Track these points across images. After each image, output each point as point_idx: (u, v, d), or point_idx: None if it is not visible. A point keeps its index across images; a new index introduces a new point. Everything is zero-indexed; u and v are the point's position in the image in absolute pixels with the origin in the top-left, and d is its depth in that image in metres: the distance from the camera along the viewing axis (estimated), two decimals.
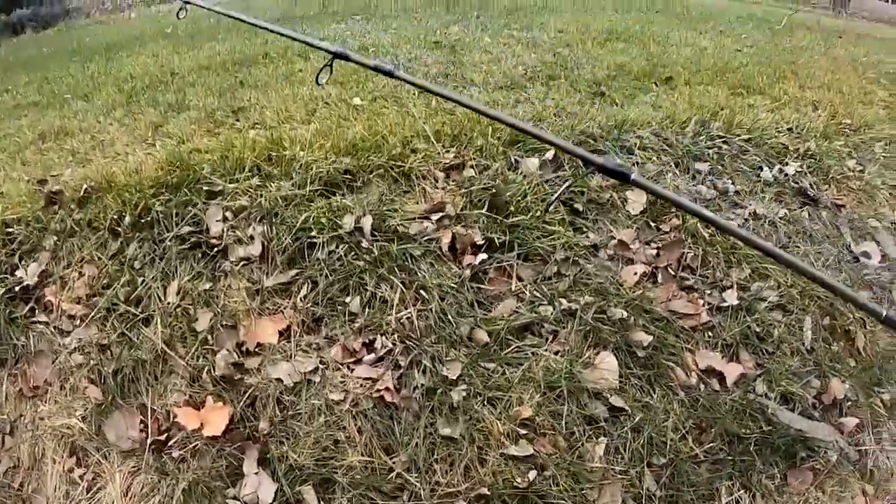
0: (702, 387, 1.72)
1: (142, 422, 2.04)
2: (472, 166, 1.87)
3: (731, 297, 1.78)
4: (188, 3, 1.71)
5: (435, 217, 1.77)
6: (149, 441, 1.94)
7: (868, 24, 13.96)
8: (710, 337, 1.75)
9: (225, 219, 1.99)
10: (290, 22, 5.33)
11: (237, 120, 2.56)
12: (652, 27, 5.37)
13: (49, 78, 4.92)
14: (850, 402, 1.87)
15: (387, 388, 1.70)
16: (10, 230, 2.42)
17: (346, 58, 1.36)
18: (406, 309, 1.73)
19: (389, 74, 1.34)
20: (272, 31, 1.64)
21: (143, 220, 2.10)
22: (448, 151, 1.96)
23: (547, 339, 1.70)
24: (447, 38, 4.03)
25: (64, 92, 4.18)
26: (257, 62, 3.88)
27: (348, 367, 1.76)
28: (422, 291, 1.72)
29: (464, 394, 1.68)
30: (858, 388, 1.87)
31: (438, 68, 3.07)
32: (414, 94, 2.49)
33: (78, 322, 2.17)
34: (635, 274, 1.77)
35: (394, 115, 2.25)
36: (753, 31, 6.44)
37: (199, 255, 1.99)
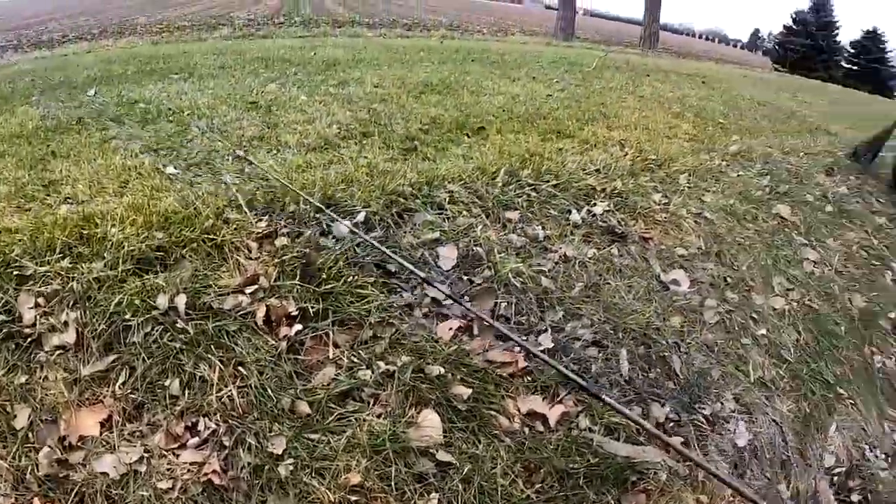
0: (526, 430, 1.79)
1: None
2: (284, 234, 1.83)
3: (547, 341, 1.83)
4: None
5: (249, 290, 1.79)
6: None
7: (676, 61, 14.76)
8: (529, 381, 1.82)
9: (37, 305, 1.97)
10: (108, 82, 5.03)
11: (48, 194, 2.47)
12: (467, 77, 5.51)
13: None
14: (672, 423, 1.94)
15: (213, 471, 1.72)
16: None
17: None
18: (226, 387, 1.77)
19: None
20: None
21: None
22: (261, 220, 1.92)
23: (368, 403, 1.75)
24: (264, 97, 3.98)
25: None
26: (71, 129, 3.89)
27: (174, 453, 1.78)
28: (240, 368, 1.77)
29: (291, 468, 1.71)
30: (679, 408, 1.94)
31: (253, 131, 3.00)
32: (228, 160, 2.41)
33: None
34: (450, 329, 1.79)
35: (207, 183, 2.17)
36: (565, 74, 6.67)
37: (13, 346, 1.95)
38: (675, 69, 10.25)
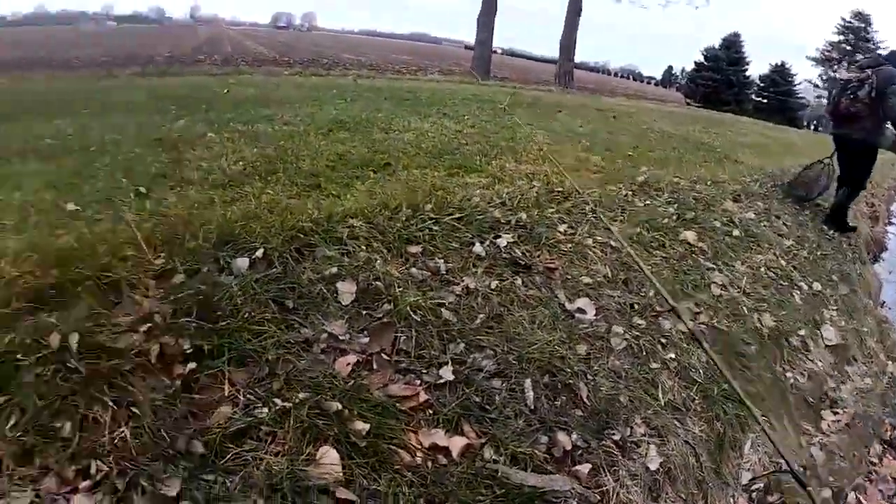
0: (429, 464, 1.76)
1: None
2: (181, 272, 1.79)
3: (448, 373, 1.81)
4: None
5: (142, 328, 1.73)
6: None
7: (589, 97, 15.18)
8: (430, 415, 1.79)
9: None
10: (15, 118, 4.95)
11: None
12: (378, 115, 5.55)
13: None
14: (580, 450, 1.94)
15: None
16: None
17: None
18: (119, 428, 1.71)
19: None
20: None
21: None
22: (158, 258, 1.87)
23: (265, 442, 1.71)
24: (171, 134, 3.90)
25: None
26: None
27: (65, 498, 1.68)
28: (133, 408, 1.71)
29: None
30: (588, 434, 1.93)
31: (157, 168, 2.95)
32: (130, 195, 2.36)
33: None
34: (348, 364, 1.77)
35: (108, 221, 2.13)
36: (477, 111, 6.76)
37: None
38: (587, 105, 10.48)
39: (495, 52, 25.31)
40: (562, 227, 2.97)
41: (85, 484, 1.84)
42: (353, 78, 12.60)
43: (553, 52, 24.75)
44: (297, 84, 9.59)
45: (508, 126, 5.74)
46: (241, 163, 3.46)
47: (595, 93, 19.61)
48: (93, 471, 1.84)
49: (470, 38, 25.58)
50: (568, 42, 22.70)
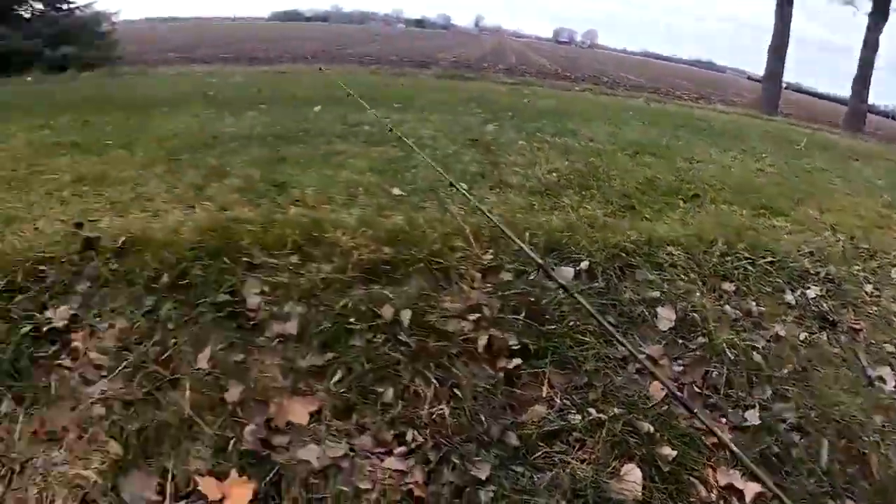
0: (721, 503, 1.77)
1: (160, 484, 2.09)
2: (508, 270, 1.93)
3: (753, 417, 1.87)
4: None
5: (472, 317, 1.87)
6: None
7: (884, 145, 14.46)
8: (730, 455, 1.82)
9: (263, 293, 2.09)
10: (330, 104, 5.47)
11: (278, 195, 2.64)
12: (678, 142, 5.60)
13: (90, 121, 5.08)
14: None
15: (416, 482, 1.88)
16: (43, 269, 2.72)
17: None
18: (439, 405, 1.88)
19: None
20: None
21: (180, 282, 2.14)
22: (486, 253, 2.03)
23: (574, 447, 1.82)
24: (483, 136, 4.18)
25: (104, 138, 4.41)
26: (297, 139, 4.44)
27: (378, 457, 1.92)
28: (455, 390, 1.87)
29: (491, 495, 1.87)
30: None
31: (476, 167, 3.15)
32: (453, 191, 2.54)
33: (105, 373, 2.25)
34: (662, 389, 1.83)
35: (433, 210, 2.31)
36: (773, 149, 6.63)
37: (234, 325, 2.21)
38: (883, 154, 9.97)
39: (782, 86, 24.24)
40: (867, 287, 2.96)
41: (400, 449, 2.01)
42: (644, 100, 12.98)
43: (840, 90, 22.51)
44: (590, 101, 9.96)
45: (807, 170, 5.70)
46: (554, 173, 3.71)
47: (888, 141, 18.66)
48: (409, 438, 2.01)
49: (751, 67, 24.42)
50: (861, 83, 20.42)
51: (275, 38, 30.46)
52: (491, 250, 2.42)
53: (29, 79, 11.63)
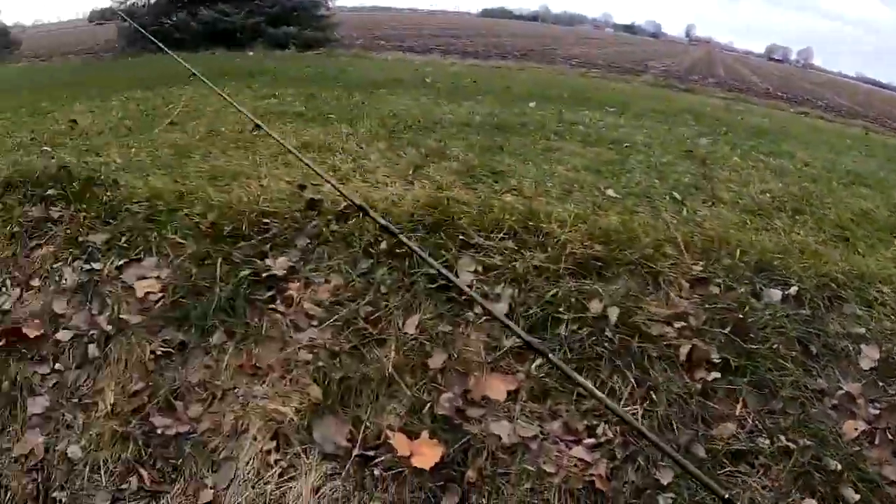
0: None
1: (351, 432, 2.70)
2: (717, 284, 2.33)
3: None
4: None
5: (676, 325, 2.26)
6: (354, 452, 2.64)
7: None
8: None
9: (476, 272, 2.60)
10: (546, 99, 6.62)
11: (495, 181, 3.21)
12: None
13: (314, 95, 6.16)
14: None
15: (599, 475, 2.24)
16: (266, 221, 3.20)
17: None
18: (633, 404, 2.25)
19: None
20: None
21: (397, 251, 2.73)
22: (696, 264, 2.44)
23: (758, 472, 2.14)
24: (697, 149, 4.61)
25: (328, 111, 5.36)
26: (515, 130, 5.11)
27: (567, 445, 2.32)
28: (652, 392, 2.25)
29: (670, 502, 2.10)
30: None
31: (689, 179, 3.57)
32: (665, 197, 2.99)
33: (315, 323, 2.86)
34: (856, 429, 2.15)
35: (646, 215, 2.76)
36: None
37: (444, 298, 2.67)
38: None
39: None
40: None
41: (588, 441, 2.44)
42: (861, 129, 13.30)
43: None
44: (806, 124, 10.54)
45: None
46: (767, 194, 4.02)
47: None
48: (598, 431, 2.44)
49: None
50: None
51: (484, 34, 34.32)
52: (702, 262, 2.74)
53: (251, 53, 14.06)
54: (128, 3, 18.21)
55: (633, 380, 2.44)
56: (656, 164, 4.24)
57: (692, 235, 2.88)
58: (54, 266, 3.74)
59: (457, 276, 2.83)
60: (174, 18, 16.57)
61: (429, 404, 2.63)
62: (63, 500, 2.96)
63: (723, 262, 2.73)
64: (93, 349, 3.30)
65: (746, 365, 2.46)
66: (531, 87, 8.55)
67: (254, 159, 4.39)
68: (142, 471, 2.92)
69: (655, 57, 28.97)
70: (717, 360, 2.44)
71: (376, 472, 2.58)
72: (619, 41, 51.23)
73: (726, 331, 2.48)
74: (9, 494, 3.04)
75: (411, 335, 2.79)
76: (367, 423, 2.72)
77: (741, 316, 2.50)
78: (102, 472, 2.96)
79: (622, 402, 2.43)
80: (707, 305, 2.55)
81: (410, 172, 3.91)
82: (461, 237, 2.93)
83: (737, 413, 2.40)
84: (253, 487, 2.73)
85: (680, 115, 6.94)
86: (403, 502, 2.50)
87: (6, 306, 3.71)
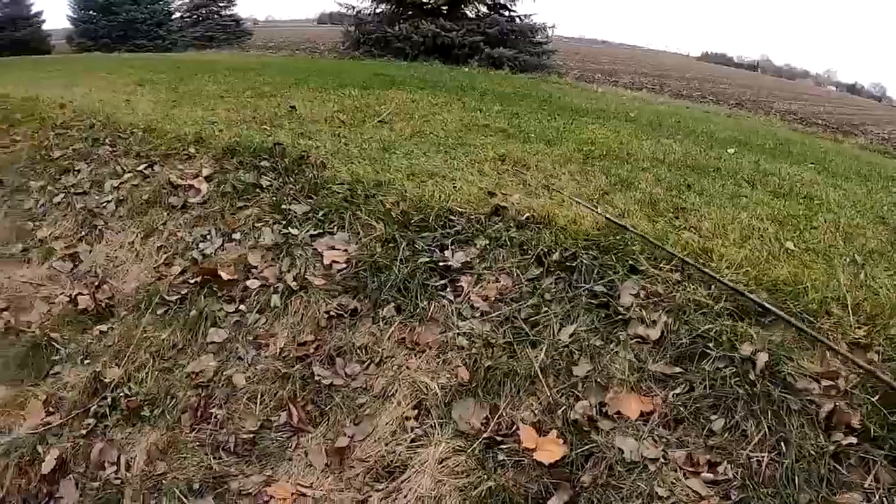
0: None
1: (486, 418, 3.17)
2: (877, 351, 2.59)
3: None
4: None
5: (824, 383, 2.55)
6: (484, 434, 3.08)
7: None
8: None
9: (637, 295, 3.02)
10: (746, 147, 7.61)
11: (676, 217, 3.62)
12: None
13: (518, 114, 6.97)
14: None
15: None
16: (452, 218, 3.79)
17: None
18: (761, 452, 2.55)
19: None
20: None
21: (567, 264, 3.23)
22: (860, 328, 2.70)
23: None
24: (893, 216, 5.12)
25: (528, 130, 6.03)
26: (707, 172, 5.56)
27: (685, 474, 2.63)
28: (782, 444, 2.51)
29: None
30: None
31: (876, 244, 3.99)
32: (846, 259, 3.27)
33: (477, 315, 3.36)
34: None
35: (819, 272, 3.05)
36: None
37: (603, 314, 3.11)
38: None
39: None
40: None
41: (707, 475, 2.63)
42: None
43: None
44: None
45: None
46: None
47: None
48: (720, 469, 2.66)
49: None
50: None
51: (700, 77, 35.62)
52: (866, 326, 2.88)
53: (466, 69, 15.58)
54: (356, 10, 20.75)
55: (766, 427, 2.69)
56: (844, 225, 4.35)
57: (864, 299, 3.11)
58: (256, 225, 4.63)
59: (618, 297, 3.29)
60: (397, 28, 18.57)
61: (563, 408, 3.03)
62: (219, 416, 3.58)
63: (889, 331, 2.93)
64: (276, 299, 4.04)
65: (888, 437, 2.54)
66: (735, 134, 8.88)
67: (451, 163, 5.01)
68: (292, 408, 3.53)
69: (875, 122, 28.24)
70: (858, 427, 2.65)
71: (500, 457, 2.94)
72: (839, 100, 50.44)
73: (874, 399, 2.70)
74: (173, 402, 3.81)
75: (564, 342, 3.19)
76: (503, 413, 3.14)
77: (893, 389, 2.71)
78: (258, 402, 3.56)
79: (749, 447, 2.72)
80: (860, 370, 2.78)
81: (597, 196, 4.33)
82: (630, 262, 3.35)
83: (867, 485, 2.57)
84: (386, 445, 3.21)
85: (884, 182, 6.86)
86: (517, 489, 2.91)
87: (208, 251, 4.62)
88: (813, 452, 2.62)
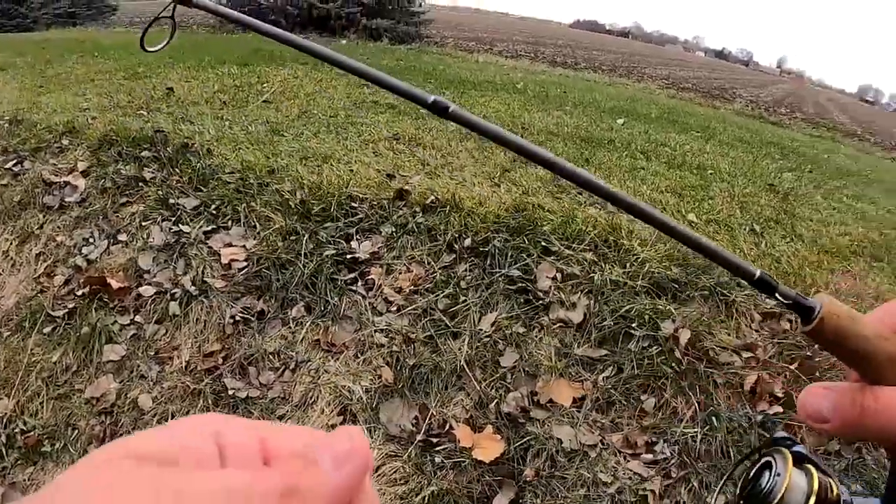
0: None
1: (416, 418, 3.04)
2: (788, 320, 2.61)
3: None
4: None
5: (745, 354, 2.55)
6: (418, 437, 2.96)
7: None
8: None
9: (554, 279, 2.92)
10: (634, 117, 7.79)
11: (580, 193, 3.53)
12: None
13: None
14: None
15: (652, 491, 2.55)
16: (354, 206, 3.57)
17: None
18: (694, 427, 2.53)
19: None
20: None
21: (480, 249, 3.08)
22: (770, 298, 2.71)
23: None
24: (781, 184, 5.33)
25: (417, 106, 5.65)
26: (602, 145, 5.57)
27: (624, 457, 2.61)
28: (713, 418, 2.52)
29: None
30: None
31: (770, 212, 3.89)
32: (745, 228, 3.28)
33: (393, 309, 3.21)
34: None
35: (724, 242, 3.05)
36: None
37: (522, 300, 3.00)
38: None
39: None
40: None
41: (646, 456, 2.74)
42: None
43: None
44: (894, 171, 11.00)
45: None
46: (846, 237, 4.23)
47: None
48: (657, 448, 2.73)
49: None
50: None
51: (574, 45, 36.37)
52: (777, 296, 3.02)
53: (344, 42, 15.11)
54: None
55: (695, 403, 2.73)
56: (738, 195, 4.48)
57: (767, 269, 3.15)
58: (143, 223, 4.24)
59: (535, 280, 3.19)
60: (271, 0, 17.66)
61: (495, 401, 2.97)
62: None
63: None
64: (174, 306, 3.75)
65: None
66: (619, 103, 9.09)
67: (344, 144, 4.78)
68: None
69: (744, 86, 30.30)
70: (781, 396, 2.71)
71: (437, 459, 2.90)
72: (708, 66, 53.63)
73: (793, 367, 2.75)
74: (76, 433, 3.53)
75: (486, 332, 3.12)
76: (434, 412, 3.07)
77: (809, 354, 2.76)
78: None
79: (682, 423, 2.73)
80: (776, 340, 2.82)
81: (498, 174, 4.26)
82: (543, 244, 3.26)
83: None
84: None
85: (766, 148, 7.26)
86: (460, 491, 2.85)
87: (93, 256, 4.22)
88: (743, 424, 2.63)
